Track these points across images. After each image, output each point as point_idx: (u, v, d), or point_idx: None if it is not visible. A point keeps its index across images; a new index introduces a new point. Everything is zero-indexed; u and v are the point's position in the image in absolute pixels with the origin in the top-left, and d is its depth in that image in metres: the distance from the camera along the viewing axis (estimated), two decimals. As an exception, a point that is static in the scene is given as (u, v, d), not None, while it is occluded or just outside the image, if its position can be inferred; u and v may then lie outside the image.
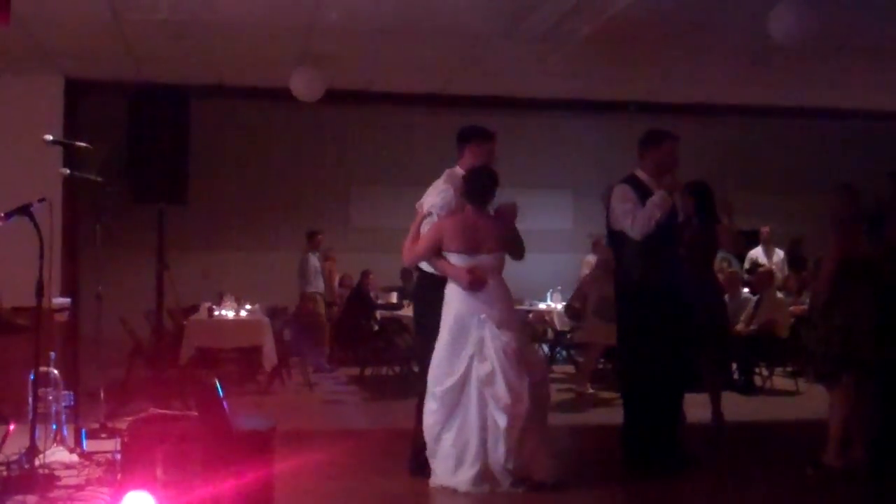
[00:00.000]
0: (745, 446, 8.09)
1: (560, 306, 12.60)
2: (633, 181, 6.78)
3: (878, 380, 6.73)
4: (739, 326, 11.18)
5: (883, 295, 6.63)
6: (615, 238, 6.86)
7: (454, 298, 6.15)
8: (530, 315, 12.97)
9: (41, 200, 6.10)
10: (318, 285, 13.45)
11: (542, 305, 13.07)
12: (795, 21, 8.02)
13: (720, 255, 13.14)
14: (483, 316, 6.02)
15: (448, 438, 5.98)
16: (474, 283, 6.04)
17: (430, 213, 6.34)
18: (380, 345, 11.44)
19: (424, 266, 6.44)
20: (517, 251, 6.41)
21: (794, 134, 15.84)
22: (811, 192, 15.42)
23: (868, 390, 6.75)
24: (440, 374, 6.05)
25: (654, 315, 6.58)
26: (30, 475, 5.69)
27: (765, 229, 14.25)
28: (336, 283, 14.64)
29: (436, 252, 6.19)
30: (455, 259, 6.12)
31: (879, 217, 7.00)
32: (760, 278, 11.66)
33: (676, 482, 6.48)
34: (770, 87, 11.88)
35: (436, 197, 6.35)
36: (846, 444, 6.69)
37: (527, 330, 6.39)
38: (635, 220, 6.53)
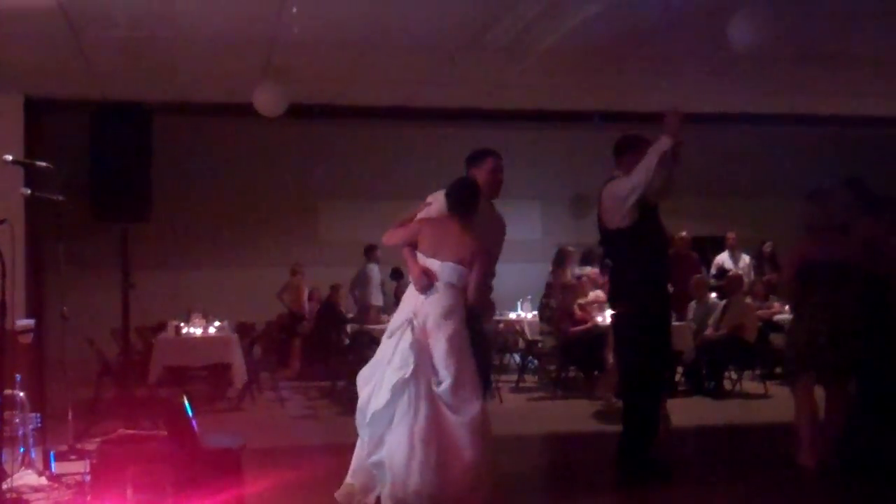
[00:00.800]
0: (718, 450, 8.12)
1: (531, 315, 12.63)
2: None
3: (842, 380, 6.82)
4: (708, 331, 11.24)
5: (866, 296, 6.72)
6: (610, 238, 6.82)
7: (403, 301, 6.24)
8: (501, 325, 12.98)
9: (2, 222, 6.02)
10: (379, 298, 13.50)
11: (512, 315, 13.07)
12: (754, 30, 8.09)
13: (688, 261, 13.23)
14: (411, 318, 6.01)
15: None
16: (420, 279, 6.05)
17: (429, 204, 6.43)
18: (351, 358, 11.37)
19: None
20: (477, 294, 6.18)
21: (758, 140, 15.97)
22: (777, 198, 15.60)
23: (836, 391, 6.83)
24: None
25: (653, 316, 6.66)
26: (-3, 500, 5.61)
27: (731, 235, 14.36)
28: (305, 297, 14.59)
29: (409, 243, 6.22)
30: (418, 258, 6.15)
31: (846, 224, 7.08)
32: (730, 283, 11.73)
33: (654, 489, 6.48)
34: (733, 94, 12.00)
35: (438, 196, 6.41)
36: (817, 443, 6.75)
37: (468, 363, 6.09)
38: (633, 175, 6.52)
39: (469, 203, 6.18)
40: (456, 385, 5.79)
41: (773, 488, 6.55)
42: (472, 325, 6.13)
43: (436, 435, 5.72)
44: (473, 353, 6.04)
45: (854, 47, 9.83)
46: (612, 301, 7.05)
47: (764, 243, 14.65)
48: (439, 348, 5.86)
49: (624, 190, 6.60)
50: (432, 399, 5.79)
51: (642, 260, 6.68)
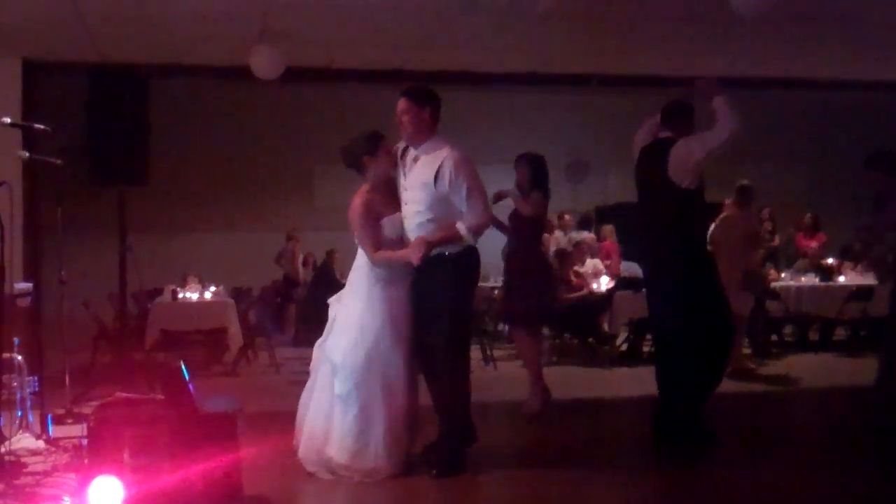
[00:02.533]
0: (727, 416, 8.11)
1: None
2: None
3: None
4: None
5: None
6: (677, 197, 6.53)
7: None
8: (495, 292, 12.98)
9: (0, 184, 6.02)
10: None
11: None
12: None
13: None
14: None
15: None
16: None
17: None
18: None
19: None
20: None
21: (754, 105, 15.89)
22: (774, 164, 15.59)
23: None
24: None
25: (715, 276, 6.62)
26: (-5, 462, 5.63)
27: (728, 201, 14.33)
28: (300, 262, 14.61)
29: None
30: None
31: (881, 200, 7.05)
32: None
33: (696, 457, 6.42)
34: (733, 58, 11.93)
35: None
36: None
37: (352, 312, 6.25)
38: (721, 129, 6.51)
39: (347, 159, 6.51)
40: (338, 342, 6.11)
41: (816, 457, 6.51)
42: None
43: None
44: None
45: (858, 9, 9.79)
46: (675, 264, 6.59)
47: (761, 210, 14.63)
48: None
49: (711, 143, 6.55)
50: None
51: (704, 221, 6.69)
